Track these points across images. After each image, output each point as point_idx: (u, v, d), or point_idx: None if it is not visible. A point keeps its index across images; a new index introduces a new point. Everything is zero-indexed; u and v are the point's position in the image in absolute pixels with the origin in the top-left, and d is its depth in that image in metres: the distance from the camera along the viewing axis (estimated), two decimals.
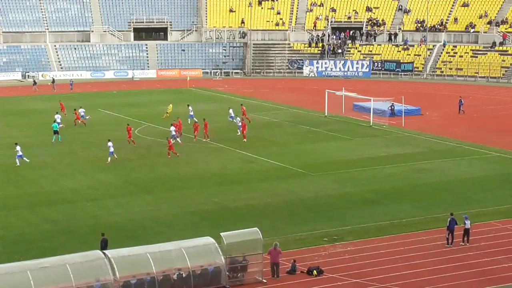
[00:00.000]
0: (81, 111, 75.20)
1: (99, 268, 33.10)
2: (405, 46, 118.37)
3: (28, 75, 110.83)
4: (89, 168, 56.57)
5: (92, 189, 50.86)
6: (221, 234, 35.76)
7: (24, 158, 57.43)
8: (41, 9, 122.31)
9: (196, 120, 69.70)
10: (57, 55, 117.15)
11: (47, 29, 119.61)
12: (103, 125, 74.54)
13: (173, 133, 64.76)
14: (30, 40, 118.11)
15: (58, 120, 70.29)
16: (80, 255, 34.11)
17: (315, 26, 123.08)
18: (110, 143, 58.54)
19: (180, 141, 64.36)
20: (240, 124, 68.86)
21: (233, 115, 73.27)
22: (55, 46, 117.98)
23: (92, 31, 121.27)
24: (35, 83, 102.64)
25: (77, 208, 46.97)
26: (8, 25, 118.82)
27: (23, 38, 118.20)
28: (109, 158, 58.04)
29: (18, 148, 57.72)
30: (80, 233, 42.28)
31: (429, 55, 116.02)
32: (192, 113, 74.15)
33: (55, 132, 66.23)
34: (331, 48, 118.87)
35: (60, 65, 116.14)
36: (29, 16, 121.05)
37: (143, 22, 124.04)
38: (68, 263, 32.76)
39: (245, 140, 65.83)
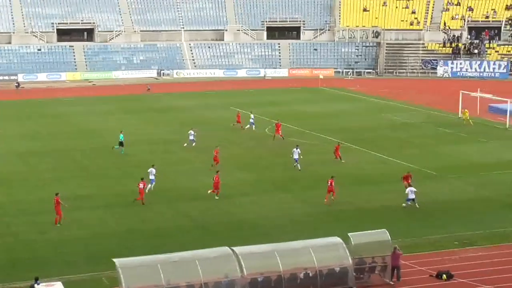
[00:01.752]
0: None
1: (227, 265, 33.39)
2: None
3: (163, 73, 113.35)
4: (225, 166, 56.64)
5: (228, 186, 51.13)
6: (349, 234, 35.50)
7: None
8: (178, 8, 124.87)
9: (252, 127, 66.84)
10: (192, 53, 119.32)
11: (183, 28, 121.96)
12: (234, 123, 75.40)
13: (191, 137, 63.67)
14: (166, 39, 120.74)
15: None
16: (209, 251, 34.53)
17: (447, 25, 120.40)
18: (152, 169, 52.25)
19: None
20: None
21: (252, 120, 71.46)
22: (190, 44, 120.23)
23: (226, 30, 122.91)
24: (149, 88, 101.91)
25: (212, 204, 47.73)
26: (145, 24, 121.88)
27: (160, 37, 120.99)
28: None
29: None
30: (214, 229, 42.98)
31: None
32: (252, 120, 71.99)
33: (120, 143, 61.77)
34: (467, 48, 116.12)
35: (194, 63, 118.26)
36: (166, 15, 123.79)
37: (276, 21, 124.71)
38: (197, 259, 33.14)
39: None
